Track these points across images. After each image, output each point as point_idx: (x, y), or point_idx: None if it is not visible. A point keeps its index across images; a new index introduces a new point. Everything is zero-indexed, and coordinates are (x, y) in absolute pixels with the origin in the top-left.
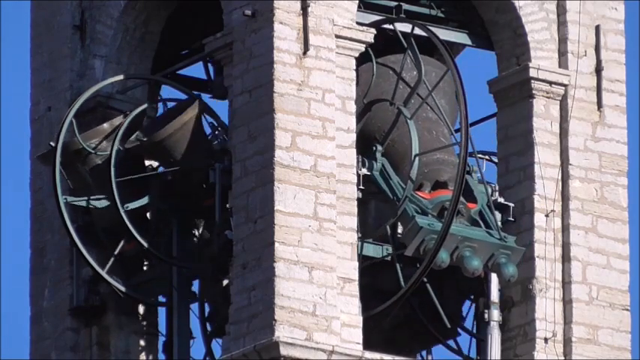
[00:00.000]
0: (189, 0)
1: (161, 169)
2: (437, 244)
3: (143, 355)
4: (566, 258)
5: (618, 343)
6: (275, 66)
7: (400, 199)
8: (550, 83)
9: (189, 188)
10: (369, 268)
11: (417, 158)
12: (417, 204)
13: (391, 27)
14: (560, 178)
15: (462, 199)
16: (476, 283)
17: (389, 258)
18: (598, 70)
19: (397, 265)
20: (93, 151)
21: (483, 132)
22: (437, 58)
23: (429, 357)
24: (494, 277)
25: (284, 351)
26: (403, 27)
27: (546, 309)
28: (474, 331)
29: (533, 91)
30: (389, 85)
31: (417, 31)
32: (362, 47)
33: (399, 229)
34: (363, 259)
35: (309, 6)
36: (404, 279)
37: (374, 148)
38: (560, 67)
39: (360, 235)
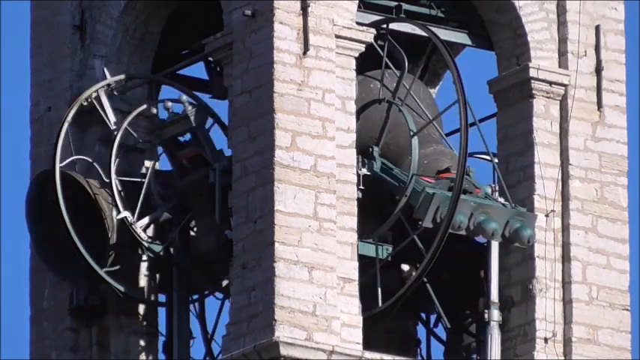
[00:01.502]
0: (189, 0)
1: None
2: (452, 204)
3: (143, 355)
4: (566, 258)
5: (618, 343)
6: (275, 66)
7: (406, 182)
8: (550, 83)
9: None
10: (368, 267)
11: (415, 138)
12: (424, 185)
13: (389, 27)
14: (560, 178)
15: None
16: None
17: (389, 258)
18: (598, 70)
19: (416, 238)
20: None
21: (483, 132)
22: (436, 57)
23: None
24: (494, 277)
25: (284, 351)
26: (403, 27)
27: (546, 309)
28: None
29: (533, 91)
30: (372, 97)
31: (394, 26)
32: (362, 47)
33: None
34: (370, 259)
35: (309, 6)
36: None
37: (370, 149)
38: (560, 67)
39: (367, 235)
